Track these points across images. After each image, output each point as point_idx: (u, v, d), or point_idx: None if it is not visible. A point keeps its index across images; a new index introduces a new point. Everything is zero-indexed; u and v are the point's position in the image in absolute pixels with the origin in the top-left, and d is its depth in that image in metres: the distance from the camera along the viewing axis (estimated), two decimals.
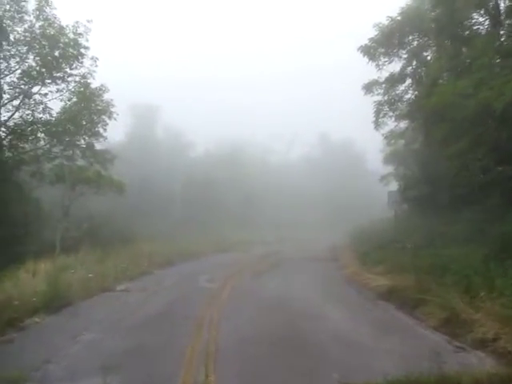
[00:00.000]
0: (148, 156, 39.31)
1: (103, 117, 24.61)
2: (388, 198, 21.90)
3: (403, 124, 23.74)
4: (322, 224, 46.66)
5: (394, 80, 20.30)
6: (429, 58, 19.54)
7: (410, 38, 20.22)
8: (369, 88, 21.33)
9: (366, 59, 20.91)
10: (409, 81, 20.62)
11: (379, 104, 21.03)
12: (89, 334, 8.58)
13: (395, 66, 20.96)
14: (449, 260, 11.01)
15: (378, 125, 21.59)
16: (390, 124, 22.86)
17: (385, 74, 20.95)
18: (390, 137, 24.29)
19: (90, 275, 13.38)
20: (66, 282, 12.29)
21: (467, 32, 15.72)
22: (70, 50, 22.67)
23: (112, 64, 41.94)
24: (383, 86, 20.98)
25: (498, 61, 13.38)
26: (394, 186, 27.65)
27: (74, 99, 23.69)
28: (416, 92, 20.51)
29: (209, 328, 8.57)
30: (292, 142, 65.80)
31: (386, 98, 20.95)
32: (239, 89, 75.83)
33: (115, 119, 24.81)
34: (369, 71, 21.46)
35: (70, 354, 7.35)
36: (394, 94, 20.77)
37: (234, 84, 75.31)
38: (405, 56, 20.62)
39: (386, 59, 20.61)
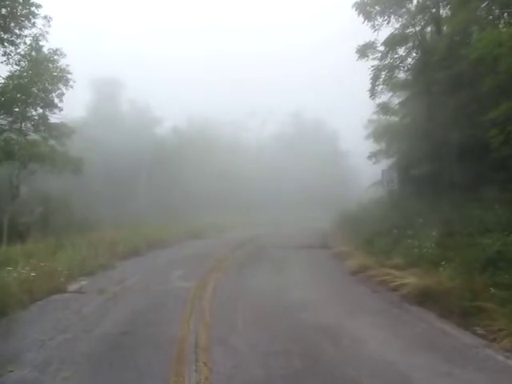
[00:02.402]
0: (111, 132, 35.97)
1: (59, 85, 21.90)
2: (382, 176, 19.49)
3: (397, 97, 21.62)
4: (298, 205, 44.44)
5: (394, 42, 17.64)
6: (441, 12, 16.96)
7: None
8: (363, 52, 18.68)
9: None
10: (409, 44, 17.98)
11: (377, 69, 18.37)
12: (19, 369, 5.72)
13: (391, 29, 18.42)
14: (496, 253, 8.56)
15: (374, 93, 18.97)
16: (384, 96, 20.48)
17: (381, 37, 18.41)
18: (385, 108, 21.78)
19: (33, 274, 10.44)
20: (2, 284, 9.44)
21: None
22: (20, 7, 19.92)
23: (69, 32, 38.52)
24: (380, 49, 18.38)
25: None
26: (383, 164, 25.35)
27: (24, 64, 20.90)
28: (417, 56, 18.07)
29: (195, 364, 5.70)
30: (266, 120, 63.18)
31: (384, 62, 18.30)
32: (211, 65, 72.56)
33: (71, 87, 22.16)
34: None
35: None
36: (394, 57, 18.12)
37: (207, 60, 71.71)
38: (405, 16, 18.05)
39: (385, 17, 17.99)
